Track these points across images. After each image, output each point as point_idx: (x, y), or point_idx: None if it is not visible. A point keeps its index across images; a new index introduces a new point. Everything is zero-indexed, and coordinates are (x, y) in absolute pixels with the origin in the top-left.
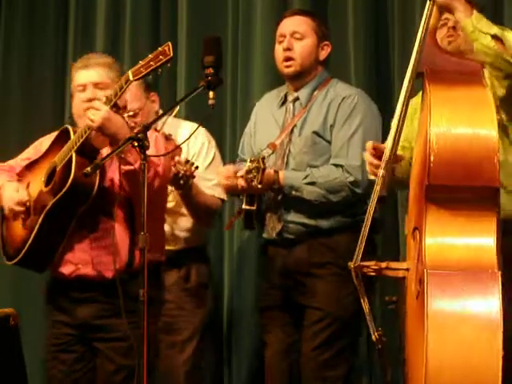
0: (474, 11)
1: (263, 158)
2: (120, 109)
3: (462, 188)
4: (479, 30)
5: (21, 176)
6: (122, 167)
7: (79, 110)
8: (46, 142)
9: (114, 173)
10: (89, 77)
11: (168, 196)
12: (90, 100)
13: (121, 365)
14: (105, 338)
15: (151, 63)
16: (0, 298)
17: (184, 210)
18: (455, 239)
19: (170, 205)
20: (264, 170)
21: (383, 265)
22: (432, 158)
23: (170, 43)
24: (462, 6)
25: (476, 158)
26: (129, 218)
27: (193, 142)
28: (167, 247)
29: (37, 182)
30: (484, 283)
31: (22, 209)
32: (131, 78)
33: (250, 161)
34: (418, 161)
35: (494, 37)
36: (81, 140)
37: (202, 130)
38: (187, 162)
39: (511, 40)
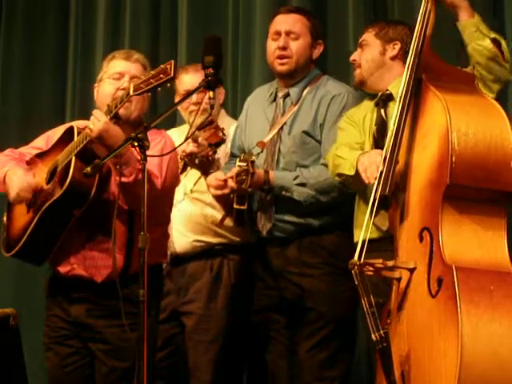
0: (476, 14)
1: (252, 162)
2: (120, 119)
3: (479, 189)
4: (480, 31)
5: (30, 164)
6: (117, 178)
7: (107, 96)
8: (58, 132)
9: (115, 180)
10: (129, 68)
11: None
12: (124, 89)
13: (113, 367)
14: (96, 338)
15: (151, 81)
16: (0, 298)
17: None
18: (471, 239)
19: (207, 197)
20: (253, 173)
21: (390, 263)
22: (454, 159)
23: (172, 62)
24: (466, 5)
25: (494, 161)
26: (128, 223)
27: None
28: (203, 238)
29: (41, 177)
30: (508, 282)
31: (29, 192)
32: (131, 92)
33: (240, 160)
34: (430, 162)
35: (494, 40)
36: (81, 145)
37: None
38: (210, 145)
39: (506, 47)
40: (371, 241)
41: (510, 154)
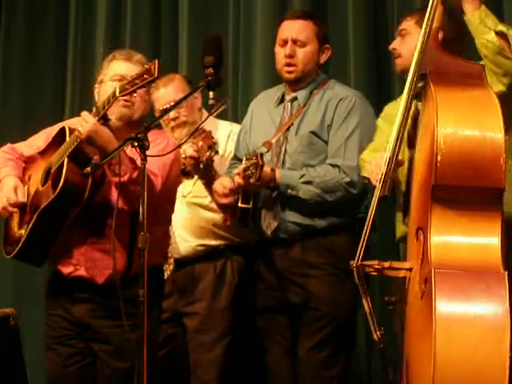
0: (483, 6)
1: (261, 155)
2: (108, 121)
3: (467, 188)
4: (484, 25)
5: (28, 163)
6: (111, 178)
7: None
8: (55, 131)
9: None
10: (131, 70)
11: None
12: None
13: (115, 367)
14: (99, 339)
15: (136, 81)
16: (0, 298)
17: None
18: (460, 239)
19: (205, 200)
20: (262, 166)
21: (386, 264)
22: (439, 159)
23: (156, 61)
24: None
25: (483, 159)
26: (130, 224)
27: (231, 140)
28: (206, 242)
29: (36, 178)
30: (490, 284)
31: (14, 210)
32: (117, 93)
33: (246, 159)
34: (424, 161)
35: (499, 33)
36: (72, 147)
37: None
38: (209, 147)
39: None
40: (404, 238)
41: (500, 150)
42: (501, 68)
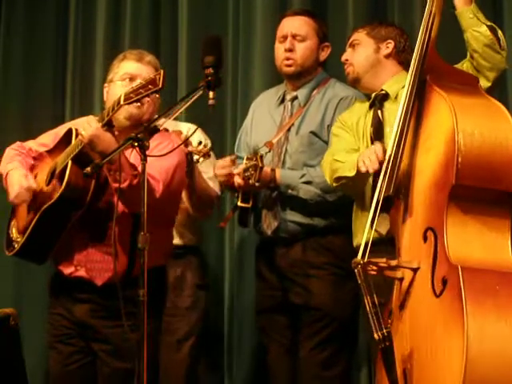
0: (473, 2)
1: (261, 156)
2: (113, 127)
3: (484, 190)
4: (477, 19)
5: (36, 160)
6: (111, 184)
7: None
8: (63, 131)
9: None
10: (141, 71)
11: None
12: None
13: (115, 367)
14: (99, 338)
15: (141, 91)
16: (0, 298)
17: (182, 205)
18: (476, 239)
19: None
20: (262, 168)
21: (393, 263)
22: (460, 159)
23: (162, 72)
24: None
25: (500, 162)
26: (132, 225)
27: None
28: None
29: (42, 177)
30: None
31: (29, 195)
32: (122, 101)
33: (247, 158)
34: (435, 163)
35: (490, 27)
36: (76, 150)
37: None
38: (200, 143)
39: (502, 36)
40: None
41: None
42: (489, 62)
